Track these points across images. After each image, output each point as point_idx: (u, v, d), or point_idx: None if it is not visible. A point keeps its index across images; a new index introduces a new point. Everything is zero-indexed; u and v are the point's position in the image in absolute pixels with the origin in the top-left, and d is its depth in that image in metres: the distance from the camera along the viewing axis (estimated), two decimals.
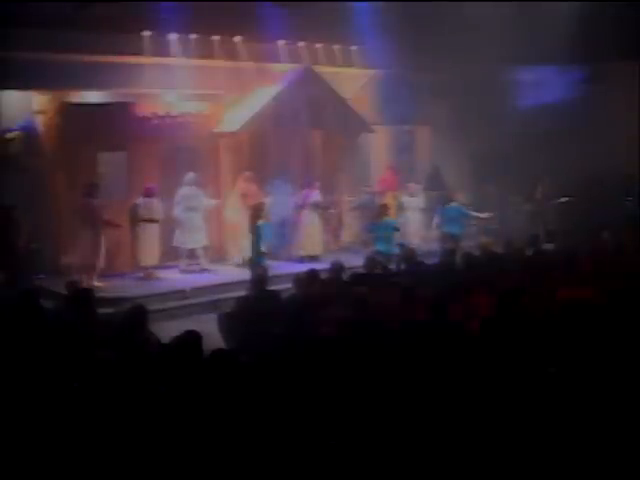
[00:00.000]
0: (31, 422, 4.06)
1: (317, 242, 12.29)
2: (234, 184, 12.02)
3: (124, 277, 10.86)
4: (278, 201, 11.62)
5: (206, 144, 12.05)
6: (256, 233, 10.11)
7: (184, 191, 11.23)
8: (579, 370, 4.73)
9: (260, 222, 10.19)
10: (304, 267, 8.93)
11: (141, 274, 10.93)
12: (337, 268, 8.27)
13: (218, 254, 12.04)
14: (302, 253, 12.10)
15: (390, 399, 4.39)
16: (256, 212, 10.34)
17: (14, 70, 10.12)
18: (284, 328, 6.19)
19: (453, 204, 11.93)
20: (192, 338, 4.97)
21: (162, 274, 11.11)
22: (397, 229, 11.14)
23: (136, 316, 5.76)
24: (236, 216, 11.61)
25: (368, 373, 4.77)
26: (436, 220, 12.21)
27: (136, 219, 10.88)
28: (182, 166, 11.50)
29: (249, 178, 11.73)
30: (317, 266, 8.67)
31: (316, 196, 12.25)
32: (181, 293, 10.19)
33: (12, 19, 9.81)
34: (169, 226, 11.24)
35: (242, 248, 11.28)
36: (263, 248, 10.13)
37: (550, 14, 13.66)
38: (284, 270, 10.50)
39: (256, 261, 10.03)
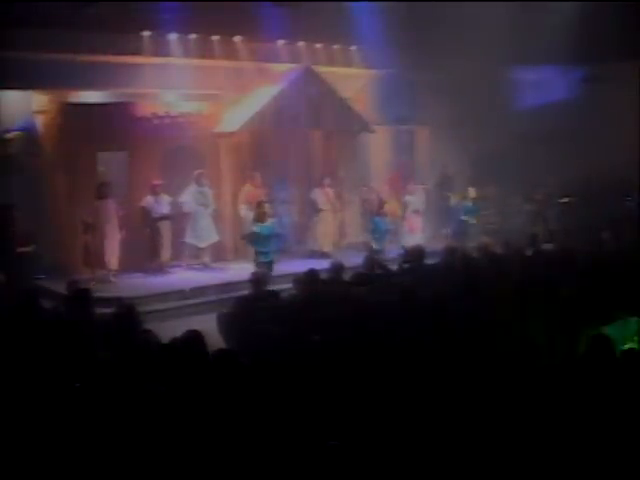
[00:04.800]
0: (31, 422, 4.06)
1: (330, 240, 12.38)
2: (235, 184, 12.04)
3: (138, 274, 11.03)
4: (285, 200, 11.67)
5: (206, 144, 12.05)
6: (254, 233, 10.04)
7: (194, 188, 11.35)
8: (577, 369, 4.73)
9: (259, 223, 10.09)
10: (317, 264, 8.98)
11: (157, 271, 11.13)
12: (337, 268, 8.27)
13: (230, 252, 12.14)
14: (316, 249, 12.22)
15: (390, 399, 4.38)
16: (257, 211, 10.27)
17: (14, 70, 10.12)
18: (284, 328, 6.19)
19: (467, 202, 11.87)
20: (195, 338, 4.97)
21: (171, 270, 11.32)
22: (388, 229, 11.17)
23: (127, 317, 5.74)
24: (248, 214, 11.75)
25: (368, 373, 4.77)
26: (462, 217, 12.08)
27: (150, 217, 10.98)
28: (182, 166, 11.51)
29: (256, 181, 11.79)
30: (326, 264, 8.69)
31: (330, 193, 12.33)
32: (181, 293, 10.19)
33: (12, 19, 9.81)
34: (177, 223, 11.36)
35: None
36: (263, 247, 10.04)
37: (550, 14, 13.66)
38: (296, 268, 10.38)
39: (261, 260, 9.97)
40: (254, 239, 10.11)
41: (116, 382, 4.37)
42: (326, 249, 12.17)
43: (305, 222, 12.56)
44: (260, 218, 10.11)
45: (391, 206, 12.32)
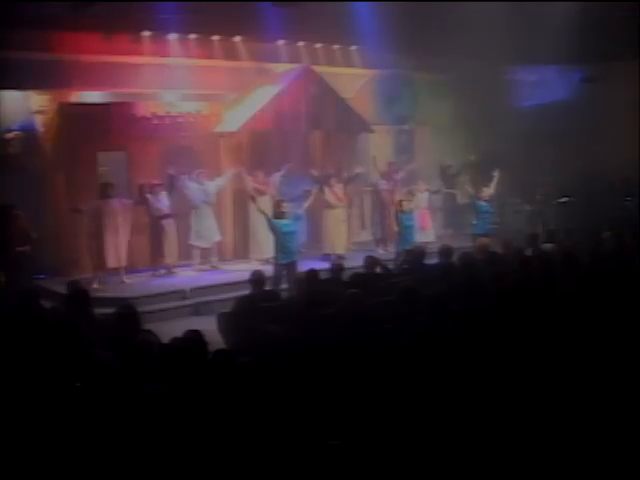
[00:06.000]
0: (31, 422, 4.06)
1: (343, 240, 12.26)
2: (235, 184, 12.05)
3: (142, 274, 11.04)
4: (293, 198, 11.63)
5: (206, 144, 12.04)
6: (275, 229, 9.74)
7: (195, 187, 11.32)
8: (577, 368, 4.73)
9: (279, 220, 9.82)
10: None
11: (162, 271, 11.11)
12: (337, 268, 8.28)
13: (230, 252, 12.17)
14: (327, 251, 12.09)
15: (389, 400, 4.39)
16: (275, 210, 10.06)
17: (14, 70, 10.13)
18: (284, 328, 6.19)
19: (482, 202, 11.74)
20: (195, 338, 4.98)
21: (176, 271, 11.27)
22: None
23: (128, 317, 5.74)
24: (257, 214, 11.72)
25: (368, 374, 4.77)
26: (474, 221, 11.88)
27: (151, 215, 10.96)
28: (182, 166, 11.48)
29: (259, 180, 11.74)
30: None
31: (339, 192, 12.24)
32: (181, 293, 10.19)
33: (12, 19, 9.81)
34: (182, 222, 11.31)
35: (263, 246, 11.33)
36: (285, 245, 9.69)
37: (550, 14, 13.65)
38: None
39: (280, 262, 9.70)
40: (275, 235, 9.79)
41: (116, 382, 4.38)
42: (339, 251, 12.00)
43: (307, 221, 12.42)
44: (279, 216, 9.86)
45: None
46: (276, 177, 11.94)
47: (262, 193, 11.61)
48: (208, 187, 11.42)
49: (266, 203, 11.49)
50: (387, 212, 12.81)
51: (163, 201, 10.95)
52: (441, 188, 14.35)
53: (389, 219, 12.52)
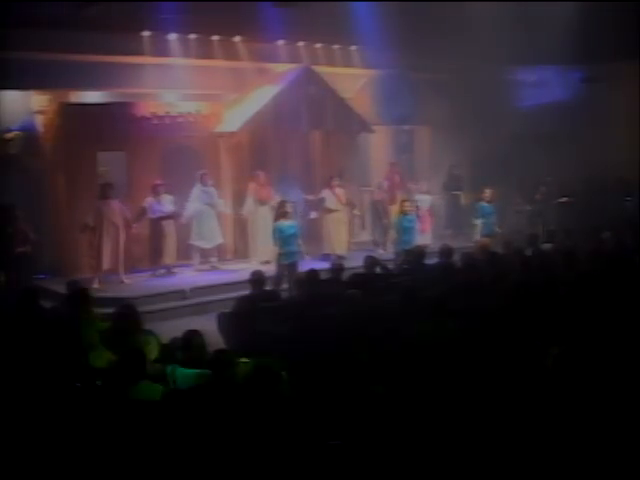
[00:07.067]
0: (31, 422, 4.06)
1: (343, 241, 12.24)
2: (235, 184, 12.05)
3: (142, 274, 11.01)
4: (294, 199, 11.64)
5: (206, 144, 12.04)
6: (278, 232, 9.78)
7: (198, 189, 11.29)
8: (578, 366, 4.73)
9: (282, 221, 9.86)
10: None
11: (162, 271, 11.10)
12: (337, 268, 8.29)
13: (230, 252, 12.16)
14: (327, 251, 12.06)
15: (389, 400, 4.39)
16: (279, 210, 10.07)
17: (14, 70, 10.14)
18: (284, 328, 6.20)
19: (484, 203, 11.72)
20: (195, 337, 4.99)
21: (176, 271, 11.25)
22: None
23: (128, 317, 5.74)
24: (254, 215, 11.73)
25: (368, 373, 4.77)
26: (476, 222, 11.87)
27: (151, 217, 10.92)
28: (182, 166, 11.49)
29: (261, 180, 11.72)
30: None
31: (340, 194, 12.17)
32: (181, 293, 10.19)
33: (12, 19, 9.81)
34: (182, 223, 11.28)
35: (263, 248, 11.31)
36: (288, 247, 9.75)
37: (550, 14, 13.66)
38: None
39: (282, 262, 9.74)
40: (276, 238, 9.81)
41: (116, 382, 4.38)
42: (339, 251, 11.96)
43: (307, 223, 12.41)
44: (282, 217, 9.87)
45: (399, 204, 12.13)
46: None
47: (264, 202, 11.61)
48: (212, 191, 11.39)
49: (267, 210, 11.49)
50: (387, 214, 12.81)
51: (165, 202, 10.94)
52: (443, 188, 14.38)
53: (388, 220, 12.53)
